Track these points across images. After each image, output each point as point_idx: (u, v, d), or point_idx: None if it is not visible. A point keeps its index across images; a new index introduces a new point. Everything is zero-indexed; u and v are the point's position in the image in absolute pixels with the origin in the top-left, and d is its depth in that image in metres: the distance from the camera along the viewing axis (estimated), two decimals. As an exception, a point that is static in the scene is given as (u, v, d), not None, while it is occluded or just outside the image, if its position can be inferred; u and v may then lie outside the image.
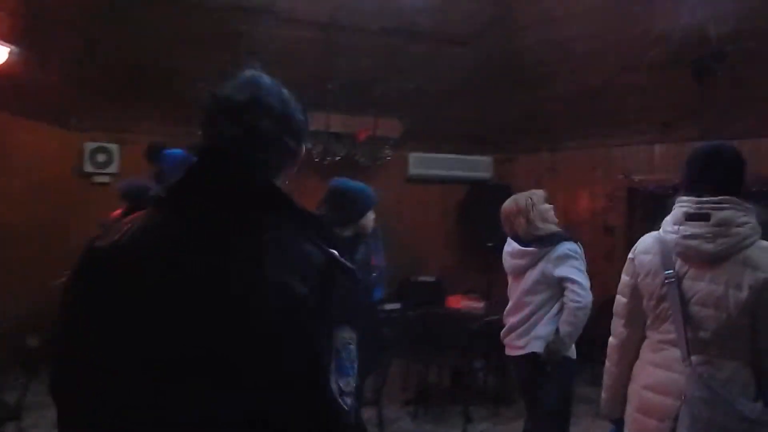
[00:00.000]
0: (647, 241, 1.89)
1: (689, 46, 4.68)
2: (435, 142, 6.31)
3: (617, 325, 1.94)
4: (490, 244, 5.82)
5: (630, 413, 1.85)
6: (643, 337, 1.88)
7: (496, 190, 6.38)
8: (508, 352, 3.07)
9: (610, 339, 1.97)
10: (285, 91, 0.95)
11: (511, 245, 3.16)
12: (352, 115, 5.39)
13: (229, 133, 0.87)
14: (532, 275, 2.94)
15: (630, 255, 1.92)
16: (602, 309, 5.50)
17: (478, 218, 6.12)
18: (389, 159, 6.06)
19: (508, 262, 3.16)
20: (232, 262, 0.80)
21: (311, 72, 5.05)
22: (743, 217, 1.70)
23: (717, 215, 1.69)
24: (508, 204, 3.28)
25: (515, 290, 3.08)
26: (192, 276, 0.80)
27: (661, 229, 1.85)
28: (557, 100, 5.79)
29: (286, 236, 0.83)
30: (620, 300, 1.94)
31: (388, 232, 4.88)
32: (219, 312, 0.78)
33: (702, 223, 1.71)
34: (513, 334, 3.01)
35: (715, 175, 1.77)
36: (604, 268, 5.98)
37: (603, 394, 1.99)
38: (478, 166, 6.41)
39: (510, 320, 3.07)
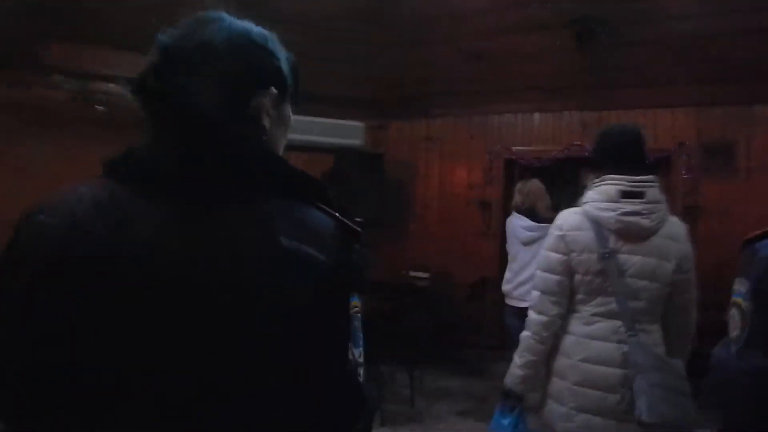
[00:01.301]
0: (574, 218, 1.92)
1: (572, 7, 4.27)
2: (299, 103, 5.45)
3: (546, 302, 1.93)
4: (359, 220, 5.23)
5: (567, 387, 1.86)
6: (565, 314, 1.93)
7: (368, 159, 5.76)
8: (515, 303, 3.74)
9: (535, 316, 1.96)
10: (259, 32, 0.81)
11: (523, 219, 3.93)
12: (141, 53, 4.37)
13: (191, 89, 0.73)
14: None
15: (557, 232, 1.93)
16: (476, 289, 5.23)
17: (347, 189, 5.46)
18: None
19: (520, 232, 3.92)
20: (238, 237, 0.68)
21: None
22: (662, 194, 1.91)
23: (649, 193, 1.84)
24: (537, 183, 4.05)
25: (525, 255, 3.81)
26: (193, 263, 0.66)
27: (586, 206, 1.89)
28: (433, 63, 5.21)
29: (288, 203, 0.73)
30: (551, 277, 1.93)
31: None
32: (238, 300, 0.66)
33: (638, 200, 1.82)
34: (523, 288, 3.64)
35: (641, 155, 1.91)
36: (479, 246, 5.69)
37: (522, 371, 1.96)
38: (349, 133, 5.70)
39: (519, 278, 3.80)
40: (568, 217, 1.95)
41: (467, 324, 4.85)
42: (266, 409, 0.67)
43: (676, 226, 1.91)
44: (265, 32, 0.83)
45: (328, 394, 0.72)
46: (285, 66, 0.84)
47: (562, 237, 1.91)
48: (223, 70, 0.76)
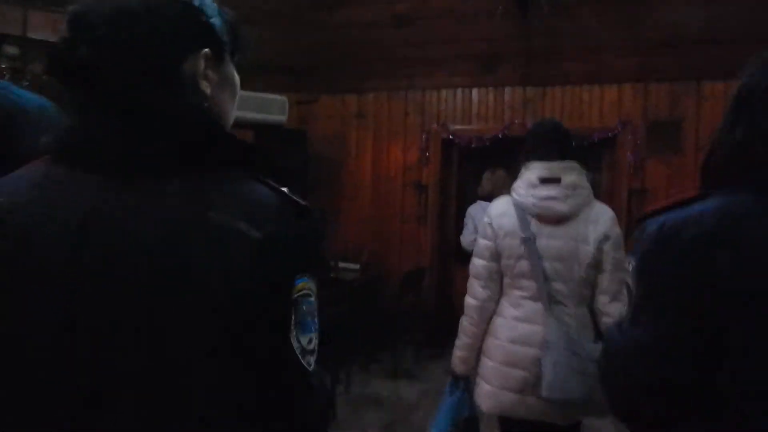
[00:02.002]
0: (501, 205, 2.01)
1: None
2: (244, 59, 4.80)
3: (476, 286, 2.02)
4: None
5: (493, 366, 1.94)
6: (498, 297, 1.99)
7: (292, 137, 5.18)
8: None
9: (468, 299, 2.03)
10: None
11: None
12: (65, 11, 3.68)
13: (105, 62, 0.67)
14: None
15: (486, 220, 2.02)
16: (411, 280, 4.78)
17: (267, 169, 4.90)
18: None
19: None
20: (166, 213, 0.65)
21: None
22: (584, 180, 1.92)
23: (567, 177, 1.88)
24: (503, 173, 4.09)
25: None
26: (119, 242, 0.64)
27: (513, 193, 1.98)
28: (361, 30, 4.68)
29: (226, 175, 0.68)
30: (479, 262, 2.01)
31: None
32: (165, 280, 0.63)
33: (554, 185, 1.88)
34: None
35: (560, 143, 1.95)
36: (415, 233, 5.26)
37: (459, 353, 2.06)
38: (271, 107, 5.10)
39: None
40: (496, 204, 2.04)
41: (401, 319, 4.41)
42: (197, 395, 0.64)
43: (599, 210, 1.92)
44: None
45: (267, 381, 0.67)
46: (219, 22, 0.75)
47: (489, 224, 1.99)
48: (141, 36, 0.67)
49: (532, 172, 1.92)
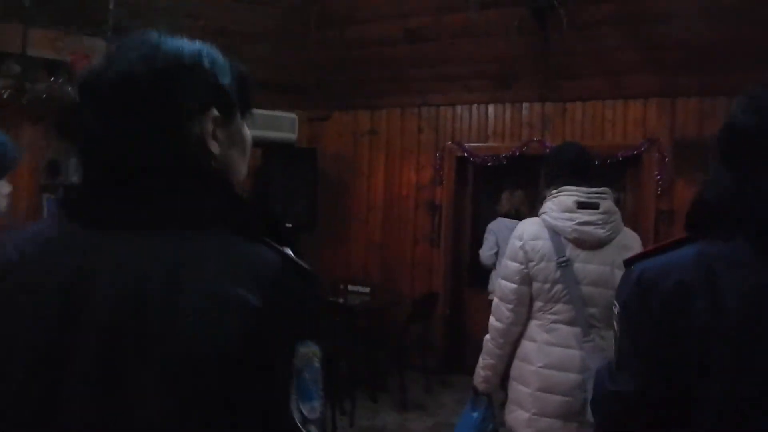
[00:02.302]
0: (533, 228, 1.97)
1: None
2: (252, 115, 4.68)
3: (503, 309, 1.98)
4: (289, 225, 4.54)
5: (529, 393, 1.91)
6: (525, 320, 1.97)
7: (302, 156, 5.03)
8: None
9: (494, 322, 2.01)
10: (191, 50, 0.72)
11: (514, 222, 3.38)
12: (65, 30, 3.58)
13: (110, 129, 0.69)
14: None
15: (518, 242, 1.97)
16: (422, 306, 4.55)
17: (278, 190, 4.76)
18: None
19: None
20: (163, 276, 0.63)
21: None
22: (615, 205, 1.96)
23: (604, 204, 1.91)
24: (522, 193, 4.13)
25: None
26: (111, 307, 0.63)
27: (545, 216, 1.95)
28: (374, 46, 4.54)
29: (227, 237, 0.66)
30: (508, 285, 1.98)
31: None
32: (153, 342, 0.61)
33: (593, 210, 1.89)
34: None
35: (590, 169, 2.00)
36: (429, 255, 5.03)
37: (482, 372, 2.05)
38: (281, 125, 4.98)
39: None
40: (527, 226, 1.99)
41: (411, 346, 4.18)
42: None
43: (629, 236, 1.97)
44: (200, 48, 0.73)
45: None
46: (228, 81, 0.74)
47: (521, 247, 1.95)
48: (146, 103, 0.68)
49: (568, 197, 1.91)
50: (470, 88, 4.62)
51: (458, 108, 4.74)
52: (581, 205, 1.90)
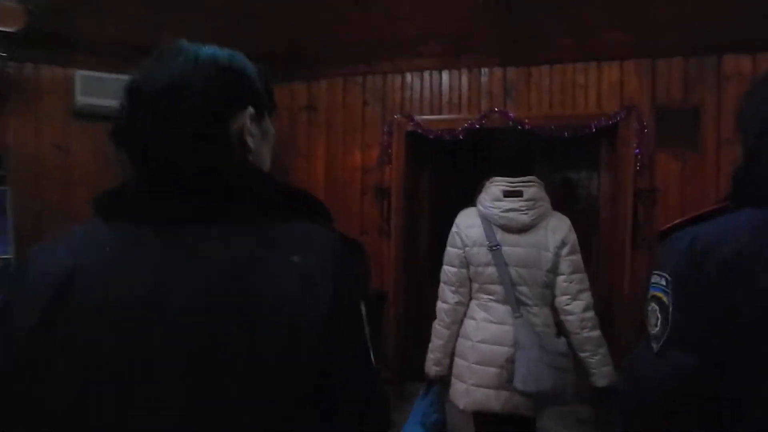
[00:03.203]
0: (468, 217, 2.21)
1: None
2: (116, 54, 3.84)
3: (447, 291, 2.22)
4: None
5: (467, 366, 2.11)
6: (468, 301, 2.21)
7: None
8: None
9: (440, 304, 2.24)
10: (224, 56, 0.78)
11: None
12: None
13: (162, 133, 0.72)
14: None
15: (455, 230, 2.22)
16: (371, 308, 3.89)
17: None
18: (10, 72, 3.73)
19: None
20: (247, 259, 0.67)
21: None
22: (543, 192, 2.16)
23: (528, 191, 2.11)
24: None
25: None
26: (196, 297, 0.65)
27: (478, 205, 2.18)
28: (312, 7, 3.85)
29: (286, 222, 0.71)
30: (450, 269, 2.21)
31: (41, 193, 3.82)
32: (250, 321, 0.64)
33: (517, 198, 2.10)
34: None
35: (523, 161, 2.18)
36: (379, 248, 4.40)
37: (432, 355, 2.24)
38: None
39: None
40: (463, 216, 2.26)
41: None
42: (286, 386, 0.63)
43: (558, 219, 2.14)
44: (231, 54, 0.80)
45: (358, 406, 0.69)
46: (257, 81, 0.81)
47: (458, 233, 2.22)
48: (195, 105, 0.73)
49: (496, 187, 2.13)
50: (421, 53, 3.98)
51: (408, 76, 4.09)
52: (507, 194, 2.09)
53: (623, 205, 3.49)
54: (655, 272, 0.94)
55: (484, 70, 3.90)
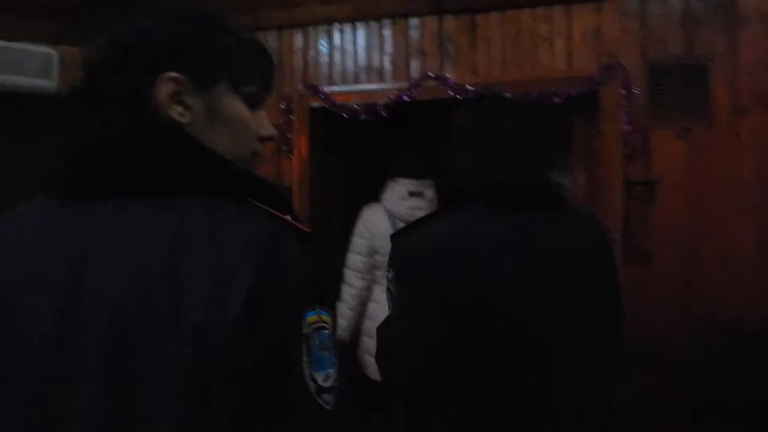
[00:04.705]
0: (374, 211, 2.57)
1: None
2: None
3: (354, 278, 2.58)
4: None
5: (373, 343, 1.97)
6: (371, 286, 2.59)
7: (60, 110, 3.17)
8: None
9: (347, 289, 2.59)
10: (189, 13, 0.71)
11: None
12: None
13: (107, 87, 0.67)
14: None
15: (362, 223, 2.58)
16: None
17: (13, 169, 2.86)
18: None
19: None
20: (161, 266, 0.57)
21: None
22: (435, 193, 2.56)
23: (427, 193, 2.56)
24: None
25: None
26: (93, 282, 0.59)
27: (384, 201, 2.56)
28: None
29: (212, 209, 0.60)
30: (357, 258, 2.57)
31: None
32: (139, 323, 0.56)
33: (420, 198, 2.51)
34: None
35: (424, 163, 2.64)
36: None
37: (343, 332, 2.56)
38: (28, 65, 3.06)
39: None
40: (370, 211, 2.61)
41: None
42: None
43: None
44: (175, 13, 0.71)
45: (279, 426, 0.59)
46: (202, 44, 0.68)
47: (365, 227, 2.57)
48: (114, 63, 0.66)
49: (402, 187, 2.54)
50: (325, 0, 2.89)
51: (309, 32, 2.98)
52: (411, 194, 2.51)
53: (608, 203, 2.48)
54: (386, 269, 1.14)
55: (413, 22, 2.83)
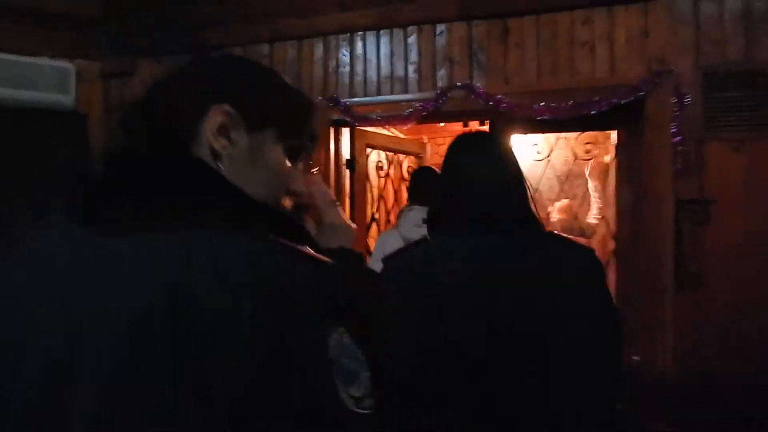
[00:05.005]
0: (390, 238, 2.44)
1: None
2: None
3: None
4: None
5: None
6: None
7: (78, 126, 3.06)
8: None
9: None
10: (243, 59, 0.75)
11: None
12: None
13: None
14: None
15: (377, 249, 2.52)
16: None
17: (29, 176, 2.77)
18: None
19: None
20: (150, 277, 0.57)
21: None
22: None
23: None
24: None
25: None
26: (101, 305, 0.57)
27: (400, 228, 2.47)
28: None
29: (215, 230, 0.59)
30: None
31: None
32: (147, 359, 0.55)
33: None
34: None
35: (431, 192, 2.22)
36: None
37: None
38: (43, 80, 2.98)
39: None
40: (386, 236, 2.55)
41: None
42: None
43: None
44: (227, 54, 0.94)
45: None
46: (274, 93, 0.71)
47: (381, 251, 2.27)
48: (163, 89, 0.69)
49: (417, 214, 2.39)
50: (347, 5, 2.72)
51: (331, 40, 2.82)
52: (425, 221, 2.07)
53: (656, 224, 2.23)
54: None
55: (441, 27, 2.64)
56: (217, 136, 0.65)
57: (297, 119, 0.73)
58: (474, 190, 1.16)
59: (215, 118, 0.65)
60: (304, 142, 0.74)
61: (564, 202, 3.84)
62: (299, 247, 0.62)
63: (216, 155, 0.65)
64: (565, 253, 1.17)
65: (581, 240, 3.14)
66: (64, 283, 0.59)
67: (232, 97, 0.66)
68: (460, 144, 1.25)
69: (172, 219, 0.59)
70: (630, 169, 2.45)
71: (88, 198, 0.63)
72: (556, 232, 1.50)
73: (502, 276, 1.09)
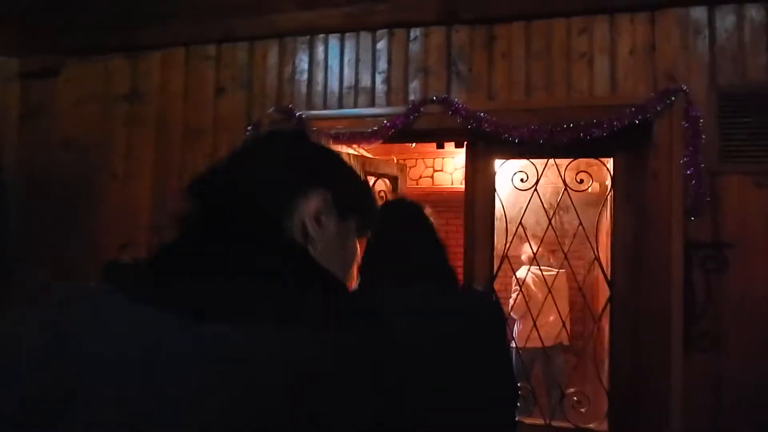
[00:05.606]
0: None
1: None
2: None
3: None
4: None
5: None
6: None
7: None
8: None
9: None
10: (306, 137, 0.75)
11: None
12: None
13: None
14: None
15: None
16: None
17: None
18: None
19: None
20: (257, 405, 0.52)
21: None
22: None
23: None
24: None
25: None
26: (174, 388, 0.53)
27: None
28: None
29: (325, 339, 0.55)
30: None
31: None
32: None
33: None
34: None
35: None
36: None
37: None
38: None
39: None
40: None
41: None
42: None
43: None
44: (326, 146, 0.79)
45: None
46: (355, 184, 0.76)
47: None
48: (254, 162, 0.68)
49: None
50: (309, 3, 2.35)
51: (288, 43, 2.44)
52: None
53: (663, 271, 1.88)
54: None
55: (416, 33, 2.28)
56: (313, 221, 0.66)
57: (371, 210, 0.77)
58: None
59: (315, 202, 0.66)
60: (370, 228, 0.77)
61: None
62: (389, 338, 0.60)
63: (308, 238, 0.65)
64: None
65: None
66: (127, 373, 0.52)
67: (328, 184, 0.67)
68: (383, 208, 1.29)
69: (270, 308, 0.54)
70: (630, 202, 2.11)
71: (161, 272, 0.58)
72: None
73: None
